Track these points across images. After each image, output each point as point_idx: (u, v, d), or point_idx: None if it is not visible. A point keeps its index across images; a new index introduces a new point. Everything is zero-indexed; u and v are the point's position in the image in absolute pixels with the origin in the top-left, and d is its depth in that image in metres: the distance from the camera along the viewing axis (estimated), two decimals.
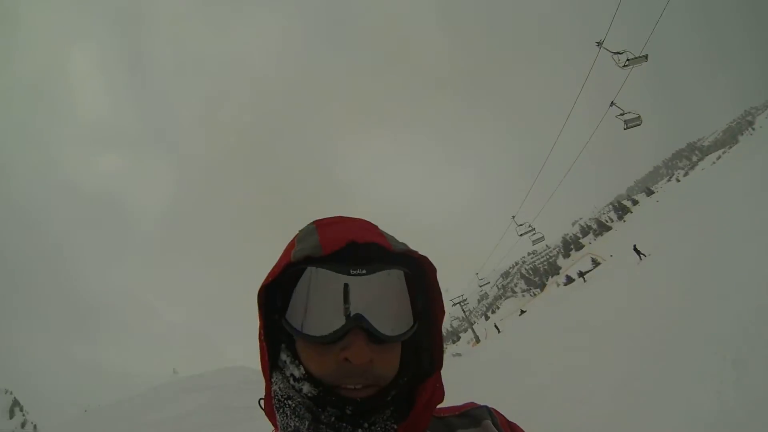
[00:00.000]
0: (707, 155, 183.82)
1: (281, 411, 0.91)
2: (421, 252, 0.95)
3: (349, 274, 0.87)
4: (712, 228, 19.23)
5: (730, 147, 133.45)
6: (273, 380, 0.95)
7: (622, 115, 19.56)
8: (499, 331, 53.39)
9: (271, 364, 0.96)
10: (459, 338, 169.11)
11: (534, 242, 36.21)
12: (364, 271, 0.87)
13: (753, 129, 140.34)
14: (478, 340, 59.07)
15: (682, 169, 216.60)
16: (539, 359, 14.93)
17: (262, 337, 0.96)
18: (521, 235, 32.46)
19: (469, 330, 70.78)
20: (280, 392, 0.92)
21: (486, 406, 1.12)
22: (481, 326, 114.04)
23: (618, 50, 15.88)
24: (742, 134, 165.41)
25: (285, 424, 0.90)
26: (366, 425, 0.86)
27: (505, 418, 1.11)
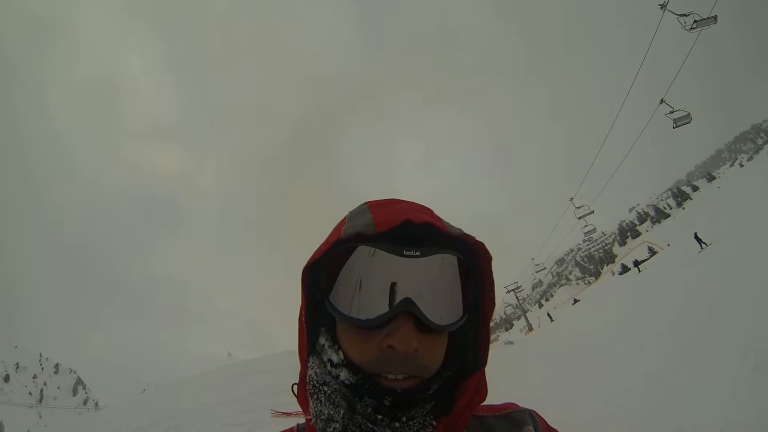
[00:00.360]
0: None
1: (315, 397, 0.87)
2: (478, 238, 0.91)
3: (401, 255, 0.81)
4: None
5: None
6: (309, 365, 0.91)
7: (671, 113, 19.48)
8: (552, 320, 52.70)
9: (309, 347, 0.93)
10: (512, 326, 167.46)
11: (586, 234, 35.64)
12: (417, 253, 0.82)
13: None
14: (531, 329, 58.52)
15: (746, 152, 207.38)
16: (586, 350, 15.20)
17: (303, 319, 0.92)
18: (580, 217, 31.97)
19: (523, 318, 70.09)
20: (315, 377, 0.88)
21: (528, 410, 1.08)
22: (534, 314, 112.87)
23: (683, 12, 15.25)
24: None
25: (318, 411, 0.86)
26: (404, 419, 0.81)
27: (546, 423, 1.07)
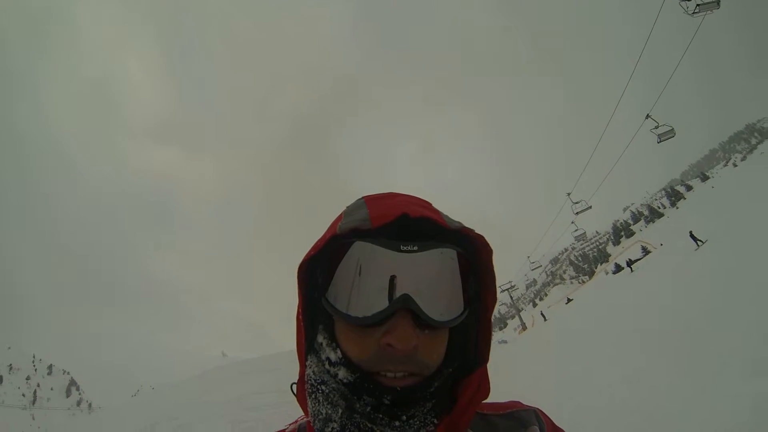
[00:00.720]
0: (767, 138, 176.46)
1: (313, 396, 0.85)
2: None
3: (399, 250, 0.78)
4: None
5: None
6: (307, 363, 0.89)
7: (656, 128, 20.14)
8: (545, 319, 52.88)
9: (307, 346, 0.91)
10: (506, 325, 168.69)
11: (576, 238, 35.80)
12: (415, 248, 0.79)
13: None
14: (524, 328, 58.91)
15: (740, 152, 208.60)
16: (577, 349, 15.48)
17: (300, 317, 0.90)
18: (577, 213, 31.53)
19: (517, 317, 70.58)
20: (313, 376, 0.86)
21: (534, 409, 1.06)
22: (528, 313, 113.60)
23: None
24: None
25: (316, 411, 0.83)
26: (404, 418, 0.78)
27: (552, 422, 1.06)
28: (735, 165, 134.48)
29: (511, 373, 16.19)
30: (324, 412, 0.82)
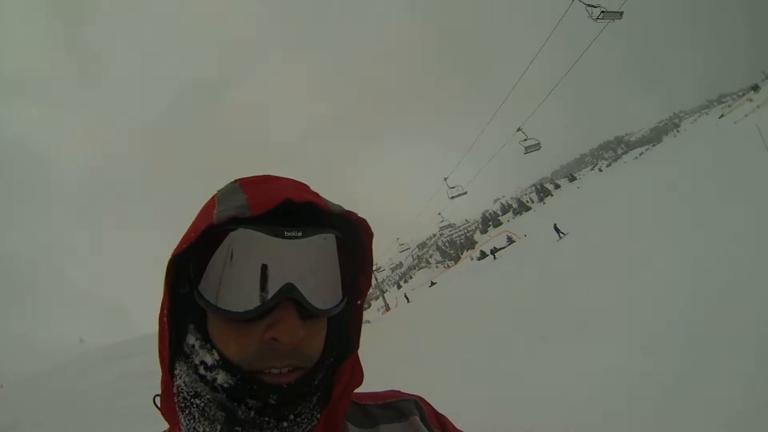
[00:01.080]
0: (632, 150, 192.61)
1: (187, 412, 0.73)
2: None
3: (283, 236, 0.71)
4: (621, 222, 20.71)
5: (654, 145, 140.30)
6: (176, 372, 0.77)
7: (524, 140, 22.73)
8: (408, 301, 53.58)
9: (174, 350, 0.79)
10: (369, 305, 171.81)
11: (441, 228, 36.32)
12: (299, 234, 0.72)
13: (678, 131, 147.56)
14: (388, 309, 59.35)
15: (606, 160, 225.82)
16: (432, 329, 17.68)
17: (165, 317, 0.77)
18: (452, 198, 32.15)
19: (381, 298, 71.41)
20: (185, 388, 0.74)
21: (414, 399, 0.98)
22: (392, 295, 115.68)
23: (592, 3, 15.65)
24: (667, 135, 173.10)
25: (191, 428, 0.72)
26: (291, 417, 0.72)
27: (433, 409, 0.99)
28: (600, 170, 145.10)
29: (372, 354, 16.43)
30: (201, 429, 0.71)
